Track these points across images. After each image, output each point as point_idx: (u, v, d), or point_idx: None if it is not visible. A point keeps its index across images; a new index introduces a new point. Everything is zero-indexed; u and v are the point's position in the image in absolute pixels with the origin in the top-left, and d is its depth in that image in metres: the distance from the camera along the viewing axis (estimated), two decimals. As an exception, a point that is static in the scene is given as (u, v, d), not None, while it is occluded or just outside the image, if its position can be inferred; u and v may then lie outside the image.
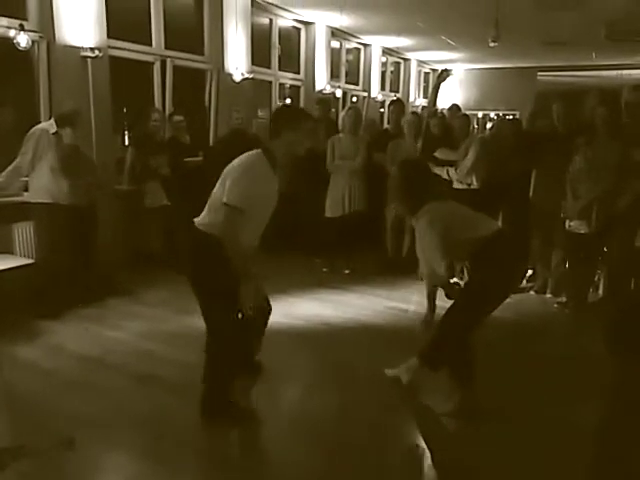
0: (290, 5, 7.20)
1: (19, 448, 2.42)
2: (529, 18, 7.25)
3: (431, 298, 2.89)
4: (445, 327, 2.74)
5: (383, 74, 10.87)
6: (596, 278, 4.66)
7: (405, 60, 11.77)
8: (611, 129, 4.08)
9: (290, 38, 8.08)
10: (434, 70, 12.96)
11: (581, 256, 4.38)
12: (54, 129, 3.98)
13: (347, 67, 9.66)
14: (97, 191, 4.31)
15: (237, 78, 6.40)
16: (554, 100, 4.70)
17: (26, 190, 4.17)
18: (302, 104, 8.26)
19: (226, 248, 2.46)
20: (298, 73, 8.23)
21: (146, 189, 5.03)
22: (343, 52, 9.41)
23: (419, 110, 11.35)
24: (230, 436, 2.77)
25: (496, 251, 2.64)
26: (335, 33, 8.65)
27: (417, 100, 12.35)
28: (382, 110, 10.54)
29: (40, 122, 4.33)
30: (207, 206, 2.64)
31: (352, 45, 9.65)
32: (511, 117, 9.82)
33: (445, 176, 4.93)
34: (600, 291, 4.64)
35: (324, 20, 8.04)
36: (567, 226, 4.29)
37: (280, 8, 7.25)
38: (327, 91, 8.33)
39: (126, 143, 5.80)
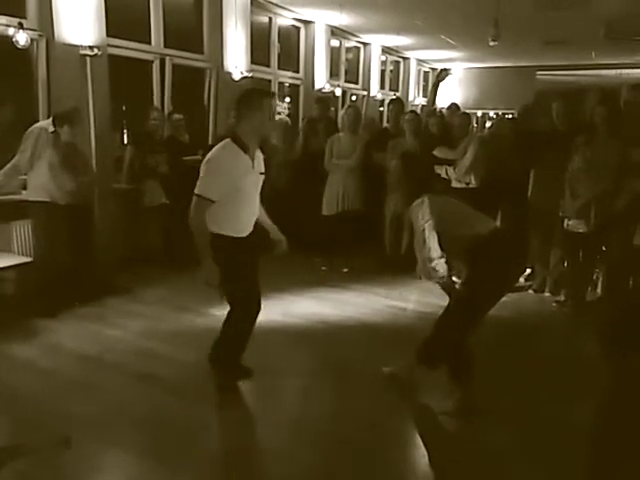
0: (290, 4, 7.19)
1: (17, 447, 2.42)
2: (529, 17, 7.24)
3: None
4: (442, 326, 2.75)
5: (382, 73, 10.87)
6: (594, 277, 4.66)
7: (405, 59, 11.77)
8: (610, 128, 4.08)
9: (289, 37, 8.08)
10: (433, 69, 12.95)
11: (579, 255, 4.39)
12: (53, 128, 3.97)
13: (346, 66, 9.66)
14: (93, 190, 4.31)
15: (236, 77, 6.40)
16: (553, 99, 4.70)
17: (24, 188, 4.17)
18: (301, 103, 8.26)
19: (194, 233, 2.65)
20: (297, 72, 8.23)
21: (145, 187, 5.04)
22: (342, 51, 9.41)
23: (419, 109, 11.37)
24: (230, 435, 2.78)
25: (491, 250, 2.64)
26: (335, 32, 8.64)
27: (417, 99, 12.35)
28: (381, 109, 10.54)
29: (39, 120, 4.33)
30: None
31: (352, 44, 9.65)
32: (510, 116, 9.82)
33: (444, 175, 4.93)
34: (598, 290, 4.65)
35: (324, 19, 8.03)
36: (566, 225, 4.29)
37: (279, 7, 7.24)
38: (326, 90, 8.32)
39: (125, 141, 5.79)
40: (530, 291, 4.87)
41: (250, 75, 6.59)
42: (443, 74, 4.68)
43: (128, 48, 5.33)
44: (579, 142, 4.17)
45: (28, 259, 4.15)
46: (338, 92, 8.89)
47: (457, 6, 6.89)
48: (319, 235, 5.38)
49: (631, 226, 4.02)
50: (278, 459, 2.50)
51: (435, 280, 2.79)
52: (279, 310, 4.23)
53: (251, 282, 2.93)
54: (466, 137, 5.11)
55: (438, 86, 4.98)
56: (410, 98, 11.97)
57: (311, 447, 2.57)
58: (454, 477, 2.44)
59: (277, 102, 7.80)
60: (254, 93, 2.92)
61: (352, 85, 9.84)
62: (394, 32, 8.90)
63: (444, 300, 2.87)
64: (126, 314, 4.09)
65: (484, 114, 12.67)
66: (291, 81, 8.17)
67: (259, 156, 2.91)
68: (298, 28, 8.12)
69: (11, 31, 4.12)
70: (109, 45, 4.96)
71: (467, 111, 6.27)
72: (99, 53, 4.68)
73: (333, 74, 8.92)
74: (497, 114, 11.86)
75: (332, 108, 7.80)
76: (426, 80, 13.11)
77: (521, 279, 5.06)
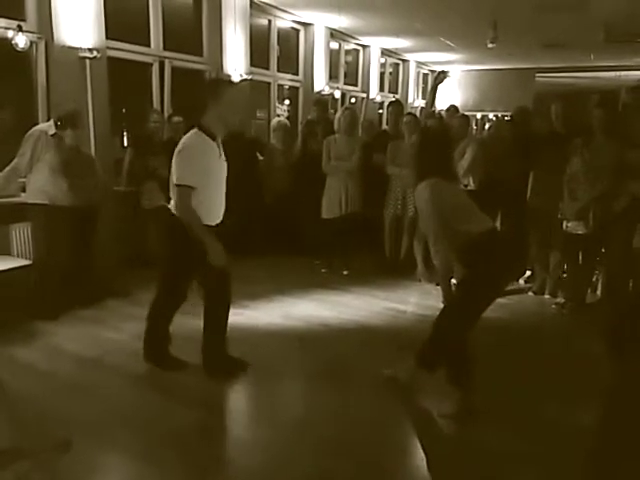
0: (289, 6, 7.20)
1: (16, 450, 2.42)
2: (527, 20, 7.26)
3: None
4: (439, 327, 2.74)
5: (382, 75, 10.88)
6: (594, 279, 4.66)
7: (404, 61, 11.79)
8: (609, 130, 4.09)
9: (289, 39, 8.09)
10: (433, 71, 12.97)
11: (579, 257, 4.39)
12: (53, 130, 3.97)
13: (346, 68, 9.67)
14: (99, 192, 4.31)
15: (236, 79, 6.40)
16: (552, 101, 4.71)
17: (24, 191, 4.16)
18: (301, 105, 8.27)
19: (185, 225, 2.79)
20: (297, 74, 8.24)
21: (144, 190, 5.03)
22: (342, 53, 9.42)
23: (418, 111, 11.38)
24: (229, 438, 2.78)
25: (486, 250, 2.62)
26: (334, 34, 8.65)
27: (416, 101, 12.36)
28: (381, 111, 10.55)
29: (38, 123, 4.33)
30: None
31: (351, 46, 9.66)
32: (509, 118, 9.83)
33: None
34: (598, 292, 4.65)
35: (323, 21, 8.04)
36: (565, 227, 4.30)
37: (279, 9, 7.25)
38: (326, 92, 8.33)
39: (125, 144, 5.80)
40: (530, 293, 4.87)
41: (249, 77, 6.60)
42: (441, 77, 4.70)
43: (127, 51, 5.33)
44: (578, 144, 4.18)
45: (27, 262, 4.14)
46: (337, 94, 8.90)
47: (456, 8, 6.90)
48: (319, 237, 5.38)
49: (630, 228, 4.03)
50: (277, 462, 2.49)
51: (435, 279, 2.78)
52: (279, 312, 4.23)
53: (222, 272, 2.97)
54: (465, 139, 5.12)
55: (436, 88, 5.01)
56: (409, 100, 11.99)
57: (310, 450, 2.56)
58: (454, 480, 2.44)
59: (277, 104, 7.81)
60: (217, 83, 3.06)
61: (351, 87, 9.85)
62: (393, 34, 8.92)
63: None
64: (126, 317, 4.09)
65: (483, 116, 12.69)
66: (290, 83, 8.17)
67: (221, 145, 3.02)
68: (297, 31, 8.13)
69: (10, 34, 4.12)
70: (108, 48, 4.96)
71: (466, 113, 6.29)
72: (98, 55, 4.69)
73: (332, 76, 8.93)
74: (496, 116, 11.87)
75: (332, 110, 7.80)
76: (425, 82, 13.13)
77: (521, 281, 5.07)
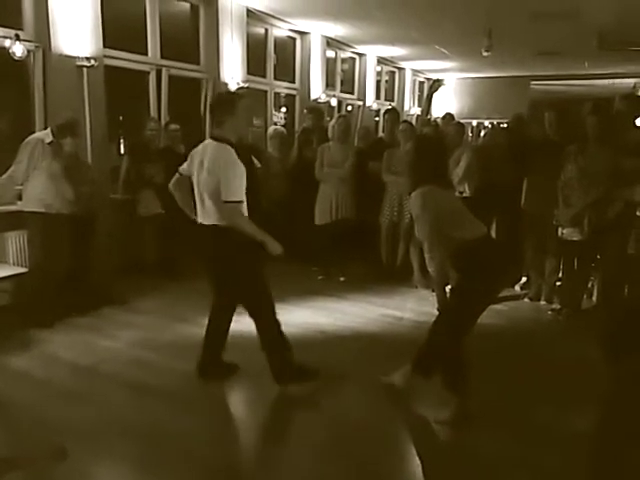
0: (285, 15, 7.25)
1: (11, 458, 2.41)
2: (522, 28, 7.32)
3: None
4: (435, 334, 2.75)
5: (378, 83, 10.94)
6: (590, 285, 4.67)
7: (400, 69, 11.86)
8: (603, 137, 4.12)
9: (285, 48, 8.14)
10: (428, 79, 13.05)
11: (574, 263, 4.41)
12: (50, 138, 3.97)
13: (342, 76, 9.72)
14: (95, 200, 4.32)
15: (232, 87, 6.43)
16: (547, 108, 4.74)
17: (20, 199, 4.17)
18: (297, 113, 8.30)
19: (245, 234, 2.85)
20: (293, 82, 8.28)
21: (141, 198, 5.04)
22: (338, 61, 9.48)
23: (414, 119, 11.44)
24: (225, 445, 2.77)
25: (479, 256, 2.63)
26: (330, 43, 8.71)
27: (412, 109, 12.42)
28: (377, 119, 10.60)
29: (35, 131, 4.34)
30: (203, 200, 2.92)
31: (347, 55, 9.72)
32: (505, 125, 9.88)
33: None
34: (594, 298, 4.66)
35: (319, 30, 8.10)
36: (560, 233, 4.31)
37: (275, 18, 7.30)
38: (322, 100, 8.37)
39: (122, 152, 5.81)
40: (526, 299, 4.88)
41: (246, 85, 6.64)
42: (436, 85, 4.74)
43: (124, 59, 5.36)
44: (572, 151, 4.21)
45: (23, 270, 4.14)
46: (334, 102, 8.95)
47: (451, 17, 6.96)
48: (315, 244, 5.39)
49: (625, 234, 4.05)
50: (273, 468, 2.49)
51: (431, 286, 2.79)
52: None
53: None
54: (460, 147, 5.15)
55: (431, 97, 5.04)
56: (405, 108, 12.05)
57: (307, 456, 2.56)
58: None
59: (274, 112, 7.85)
60: (234, 96, 3.12)
61: (348, 95, 9.91)
62: (389, 43, 8.99)
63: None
64: (122, 324, 4.08)
65: (479, 124, 12.75)
66: (287, 91, 8.22)
67: None
68: (294, 39, 8.18)
69: (8, 42, 4.15)
70: (105, 56, 4.99)
71: (462, 121, 6.32)
72: (96, 64, 4.71)
73: (329, 84, 8.98)
74: (492, 124, 11.94)
75: (328, 118, 7.84)
76: (421, 90, 13.19)
77: (516, 287, 5.08)
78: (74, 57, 4.61)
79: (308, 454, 2.59)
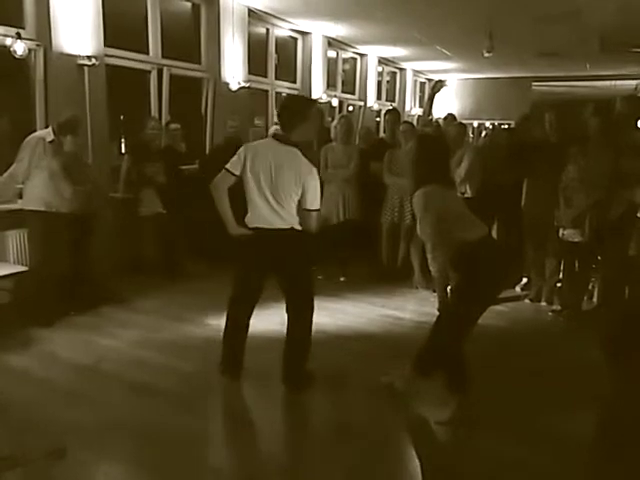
0: (287, 15, 7.25)
1: (11, 457, 2.40)
2: (523, 29, 7.33)
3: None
4: (435, 334, 2.74)
5: (379, 83, 10.94)
6: (590, 286, 4.67)
7: (401, 70, 11.86)
8: (604, 138, 4.11)
9: (287, 47, 8.14)
10: (430, 80, 13.05)
11: (575, 265, 4.40)
12: (51, 137, 3.97)
13: (343, 76, 9.73)
14: (96, 199, 4.31)
15: (234, 87, 6.44)
16: (547, 109, 4.74)
17: (21, 197, 4.16)
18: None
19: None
20: (295, 82, 8.28)
21: (141, 197, 5.04)
22: (339, 62, 9.48)
23: (415, 119, 11.43)
24: (225, 446, 2.77)
25: (480, 257, 2.62)
26: (331, 43, 8.71)
27: (413, 109, 12.42)
28: (378, 119, 10.60)
29: (36, 130, 4.33)
30: (280, 204, 2.90)
31: (348, 55, 9.73)
32: (506, 126, 9.88)
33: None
34: (594, 299, 4.66)
35: (321, 30, 8.10)
36: (560, 235, 4.31)
37: (277, 18, 7.30)
38: (323, 100, 8.37)
39: (122, 151, 5.81)
40: (526, 301, 4.87)
41: (248, 85, 6.64)
42: (438, 86, 4.74)
43: (126, 58, 5.36)
44: (573, 152, 4.20)
45: (24, 268, 4.13)
46: (335, 102, 8.95)
47: (452, 18, 6.96)
48: (316, 244, 5.38)
49: (626, 235, 4.04)
50: (274, 469, 2.49)
51: (432, 286, 2.78)
52: (277, 319, 4.20)
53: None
54: (462, 147, 5.14)
55: (433, 98, 5.04)
56: (407, 108, 12.05)
57: (307, 456, 2.55)
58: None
59: (275, 112, 7.85)
60: (307, 102, 3.16)
61: (349, 96, 9.91)
62: (390, 43, 8.99)
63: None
64: (121, 324, 4.08)
65: (480, 124, 12.75)
66: (288, 91, 8.21)
67: None
68: (295, 39, 8.19)
69: (9, 41, 4.14)
70: (107, 55, 4.99)
71: (463, 121, 6.32)
72: (97, 63, 4.71)
73: (330, 85, 8.98)
74: (493, 124, 11.94)
75: (329, 118, 7.84)
76: (422, 91, 13.20)
77: (517, 289, 5.08)
78: (75, 56, 4.61)
79: (308, 455, 2.58)
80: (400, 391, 2.99)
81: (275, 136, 3.03)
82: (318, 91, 8.40)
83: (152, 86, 5.73)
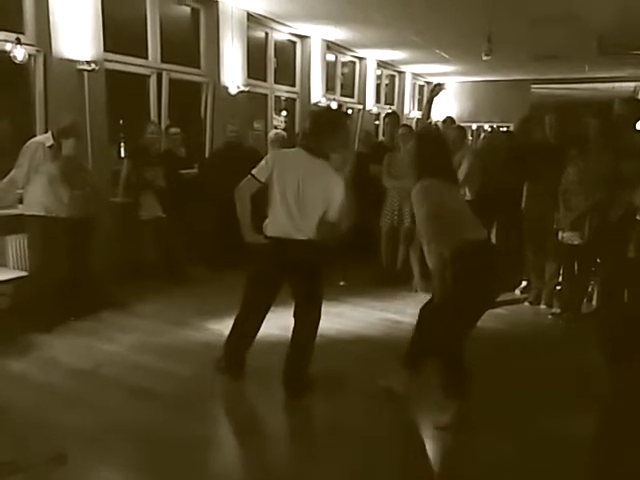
0: (286, 19, 7.27)
1: (11, 463, 2.40)
2: (522, 32, 7.34)
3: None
4: (429, 331, 2.74)
5: (378, 87, 10.96)
6: (590, 289, 4.67)
7: (400, 73, 11.88)
8: (603, 141, 4.12)
9: (286, 51, 8.16)
10: (429, 83, 13.07)
11: (574, 267, 4.40)
12: (50, 142, 3.98)
13: (342, 80, 9.74)
14: (96, 203, 4.32)
15: (233, 91, 6.45)
16: (547, 112, 4.75)
17: (21, 202, 4.17)
18: (298, 117, 8.32)
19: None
20: (294, 86, 8.30)
21: (141, 201, 5.05)
22: (338, 65, 9.50)
23: (414, 122, 11.44)
24: (224, 447, 2.76)
25: (477, 259, 2.60)
26: (330, 46, 8.73)
27: (412, 112, 12.45)
28: (377, 122, 10.62)
29: (36, 135, 4.34)
30: (303, 217, 2.90)
31: (347, 58, 9.74)
32: (505, 129, 9.89)
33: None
34: (594, 302, 4.66)
35: (319, 34, 8.12)
36: (560, 237, 4.31)
37: (276, 22, 7.32)
38: (322, 103, 8.39)
39: (122, 155, 5.82)
40: (526, 303, 4.87)
41: (247, 89, 6.65)
42: (437, 89, 4.72)
43: (125, 63, 5.37)
44: (572, 154, 4.21)
45: (23, 273, 4.14)
46: (334, 106, 8.95)
47: (451, 21, 6.98)
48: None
49: (625, 238, 4.04)
50: (272, 474, 2.48)
51: (431, 290, 2.77)
52: (276, 324, 4.20)
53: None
54: (461, 150, 5.15)
55: (432, 101, 5.04)
56: (405, 111, 12.07)
57: (306, 460, 2.55)
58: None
59: (274, 116, 7.88)
60: (336, 115, 3.29)
61: (348, 99, 9.92)
62: (389, 47, 9.01)
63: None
64: (121, 328, 4.08)
65: (479, 127, 12.77)
66: (287, 95, 8.23)
67: None
68: (294, 43, 8.20)
69: (9, 46, 4.15)
70: (106, 60, 5.00)
71: (462, 124, 6.33)
72: (96, 68, 4.72)
73: (329, 88, 8.99)
74: (492, 127, 11.95)
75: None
76: (421, 94, 13.22)
77: (517, 291, 5.08)
78: (75, 61, 4.62)
79: (307, 458, 2.58)
80: (399, 394, 2.99)
81: (304, 146, 3.01)
82: (317, 94, 8.41)
83: (152, 91, 5.74)
